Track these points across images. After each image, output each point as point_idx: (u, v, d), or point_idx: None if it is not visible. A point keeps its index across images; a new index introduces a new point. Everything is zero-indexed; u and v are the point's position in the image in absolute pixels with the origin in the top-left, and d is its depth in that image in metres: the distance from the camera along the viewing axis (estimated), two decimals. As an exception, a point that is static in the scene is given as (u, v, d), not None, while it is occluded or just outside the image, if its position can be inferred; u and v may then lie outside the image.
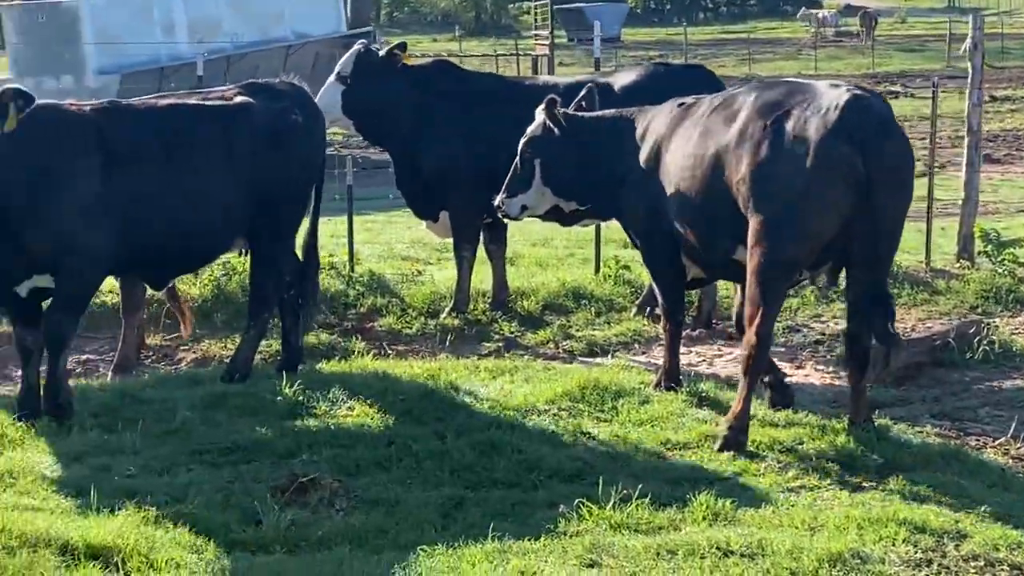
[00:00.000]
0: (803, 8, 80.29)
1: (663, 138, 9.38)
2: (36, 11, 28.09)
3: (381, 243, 15.54)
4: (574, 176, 9.95)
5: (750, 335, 8.41)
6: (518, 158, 10.09)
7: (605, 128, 9.92)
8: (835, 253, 8.37)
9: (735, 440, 8.34)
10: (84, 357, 11.44)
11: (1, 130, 8.43)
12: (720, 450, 8.30)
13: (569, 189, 10.04)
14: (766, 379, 9.30)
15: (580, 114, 10.10)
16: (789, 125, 8.23)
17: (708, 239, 8.98)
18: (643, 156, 9.51)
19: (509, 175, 10.16)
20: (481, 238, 12.57)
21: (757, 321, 8.34)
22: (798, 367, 10.93)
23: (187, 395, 9.48)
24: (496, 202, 10.23)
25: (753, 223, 8.31)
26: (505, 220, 10.40)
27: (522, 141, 10.06)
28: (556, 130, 9.89)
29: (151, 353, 11.60)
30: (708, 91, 10.01)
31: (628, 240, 10.79)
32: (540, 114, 9.99)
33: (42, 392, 9.16)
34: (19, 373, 9.39)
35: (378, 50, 12.72)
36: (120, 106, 9.72)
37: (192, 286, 12.52)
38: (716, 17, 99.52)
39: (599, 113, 10.21)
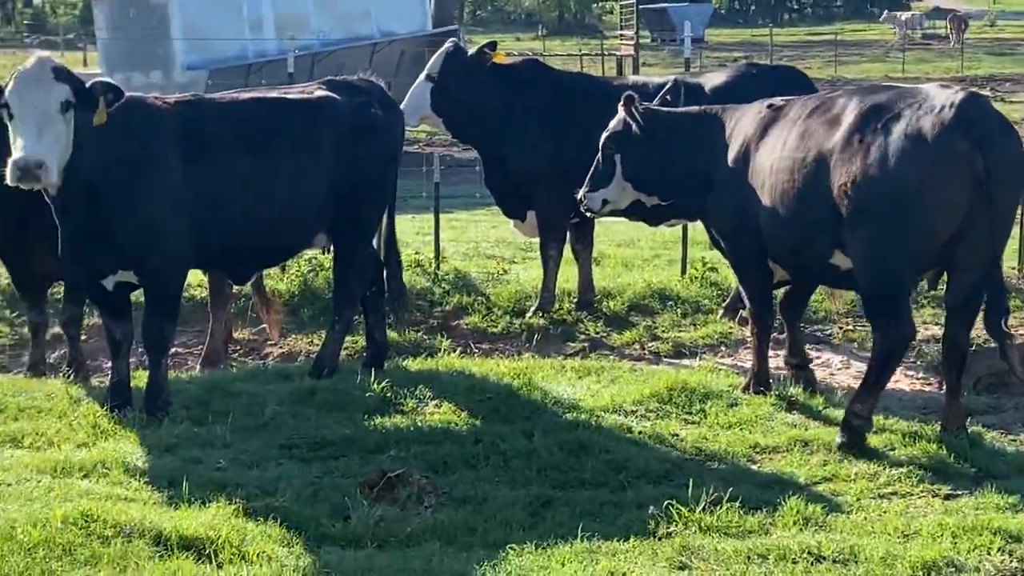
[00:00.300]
0: (886, 10, 79.54)
1: (752, 139, 9.30)
2: (127, 6, 28.37)
3: (467, 241, 15.56)
4: (655, 172, 9.92)
5: (883, 344, 8.35)
6: (600, 153, 10.09)
7: (688, 125, 9.88)
8: (946, 254, 8.28)
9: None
10: (173, 350, 11.52)
11: (90, 123, 8.53)
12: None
13: (650, 184, 10.01)
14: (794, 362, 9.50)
15: (661, 110, 10.07)
16: (901, 126, 8.14)
17: (804, 243, 8.88)
18: (731, 156, 9.45)
19: (592, 170, 10.16)
20: (567, 238, 12.55)
21: (889, 327, 8.28)
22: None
23: (276, 389, 9.53)
24: (579, 196, 10.23)
25: (867, 227, 8.23)
26: (588, 214, 10.38)
27: (603, 136, 10.06)
28: (634, 126, 9.86)
29: (238, 347, 11.68)
30: (800, 93, 9.94)
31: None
32: (620, 109, 9.98)
33: (133, 384, 9.25)
34: (110, 364, 9.47)
35: (467, 49, 12.72)
36: (204, 100, 9.81)
37: (279, 281, 12.61)
38: (802, 18, 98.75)
39: (683, 110, 10.17)
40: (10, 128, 8.41)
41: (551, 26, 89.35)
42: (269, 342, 11.81)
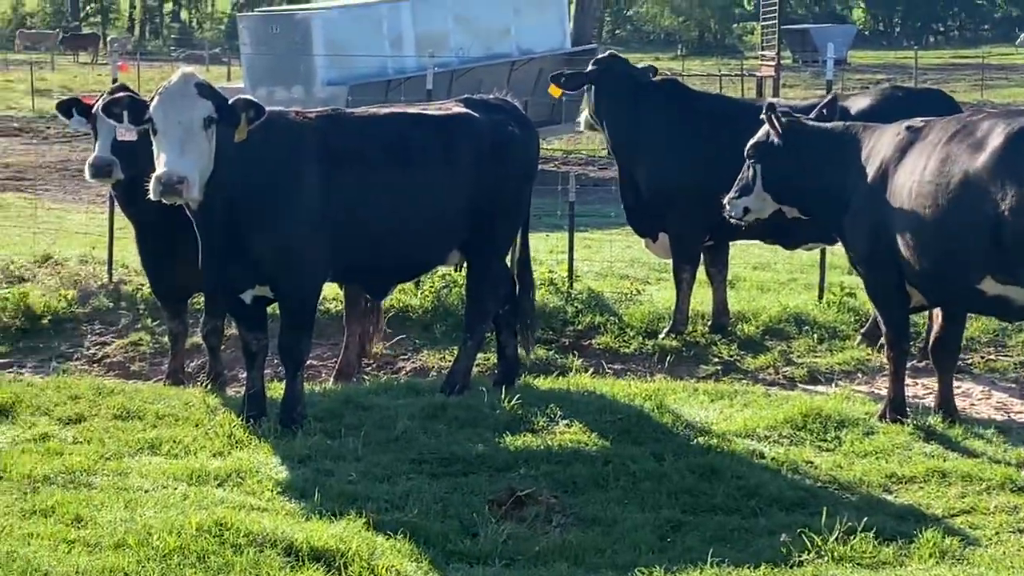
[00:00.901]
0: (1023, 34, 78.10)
1: (890, 161, 9.17)
2: (271, 22, 28.80)
3: (600, 260, 15.52)
4: (793, 183, 9.85)
5: None
6: (745, 162, 10.07)
7: (829, 140, 9.77)
8: None
9: None
10: (308, 363, 11.64)
11: (232, 139, 8.64)
12: None
13: (788, 196, 9.96)
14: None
15: (804, 122, 9.98)
16: None
17: (949, 269, 8.73)
18: (868, 177, 9.32)
19: (738, 178, 10.14)
20: (702, 260, 12.47)
21: None
22: (1029, 403, 10.59)
23: (408, 404, 9.58)
24: (724, 201, 10.21)
25: None
26: (732, 221, 10.28)
27: (748, 145, 10.03)
28: (773, 135, 9.79)
29: (371, 361, 11.76)
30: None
31: (851, 266, 10.58)
32: (763, 118, 9.96)
33: (269, 395, 9.37)
34: (246, 375, 9.60)
35: (623, 60, 12.76)
36: (344, 115, 9.90)
37: (412, 297, 12.68)
38: (947, 41, 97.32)
39: (824, 125, 10.05)
40: (154, 143, 8.57)
41: (691, 46, 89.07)
42: (402, 356, 11.88)
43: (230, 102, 8.66)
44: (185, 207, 8.79)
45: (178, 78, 8.63)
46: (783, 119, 9.82)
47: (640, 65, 13.12)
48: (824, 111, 10.38)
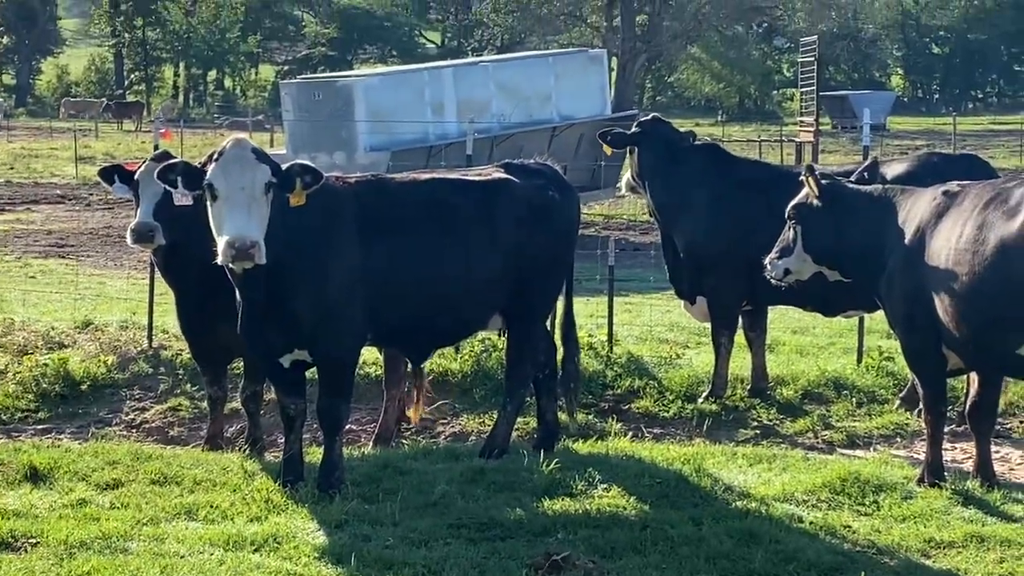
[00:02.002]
0: None
1: (927, 225, 9.18)
2: (313, 88, 29.08)
3: (640, 324, 15.52)
4: (833, 245, 9.84)
5: None
6: (787, 223, 10.07)
7: (868, 202, 9.77)
8: None
9: None
10: (347, 427, 11.66)
11: (282, 203, 8.70)
12: None
13: (829, 258, 9.94)
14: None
15: (843, 185, 9.98)
16: None
17: (985, 334, 8.71)
18: (905, 240, 9.32)
19: (779, 239, 10.13)
20: (741, 324, 12.47)
21: None
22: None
23: (446, 469, 9.58)
24: (765, 262, 10.18)
25: None
26: (772, 282, 10.21)
27: (789, 206, 10.03)
28: (814, 198, 9.80)
29: (410, 426, 11.78)
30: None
31: (890, 331, 10.54)
32: (803, 179, 9.99)
33: (308, 459, 9.38)
34: (284, 440, 9.61)
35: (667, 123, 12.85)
36: (384, 180, 9.96)
37: (452, 361, 12.70)
38: (986, 107, 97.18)
39: (863, 188, 10.04)
40: (212, 209, 8.59)
41: (731, 112, 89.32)
42: (441, 420, 11.89)
43: (285, 168, 8.73)
44: (227, 271, 8.84)
45: (232, 144, 8.67)
46: (822, 181, 9.84)
47: (681, 130, 13.22)
48: (865, 174, 10.40)
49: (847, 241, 9.74)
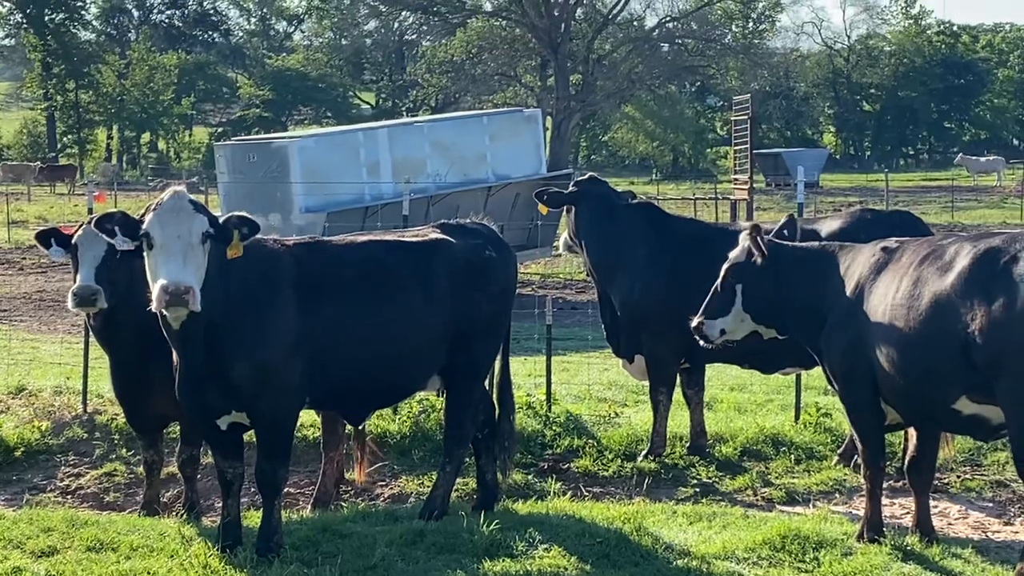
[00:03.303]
0: (960, 153, 79.10)
1: (866, 280, 9.28)
2: (248, 150, 29.03)
3: (578, 383, 15.54)
4: (774, 304, 9.86)
5: None
6: (719, 282, 10.03)
7: (807, 260, 9.84)
8: None
9: None
10: (285, 490, 11.57)
11: (219, 257, 8.67)
12: None
13: (769, 316, 9.95)
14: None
15: (784, 243, 10.05)
16: (1021, 268, 8.10)
17: (924, 388, 8.78)
18: (844, 295, 9.40)
19: (708, 298, 10.08)
20: (678, 381, 12.51)
21: None
22: (1007, 523, 10.56)
23: (386, 531, 9.52)
24: (694, 324, 10.11)
25: (1014, 375, 8.13)
26: (703, 343, 10.17)
27: (725, 266, 10.02)
28: (758, 256, 9.84)
29: (349, 488, 11.71)
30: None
31: (828, 387, 10.60)
32: (744, 240, 9.98)
33: (246, 523, 9.29)
34: (221, 504, 9.53)
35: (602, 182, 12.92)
36: (321, 243, 9.94)
37: (391, 422, 12.66)
38: (917, 163, 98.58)
39: (803, 245, 10.13)
40: (148, 259, 8.56)
41: (665, 170, 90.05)
42: (380, 483, 11.82)
43: (222, 219, 8.71)
44: (164, 327, 8.78)
45: (170, 195, 8.67)
46: (765, 240, 9.88)
47: (618, 189, 13.30)
48: (785, 232, 10.45)
49: (789, 298, 9.78)
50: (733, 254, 10.04)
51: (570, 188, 12.88)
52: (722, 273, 10.03)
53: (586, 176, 13.18)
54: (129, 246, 8.83)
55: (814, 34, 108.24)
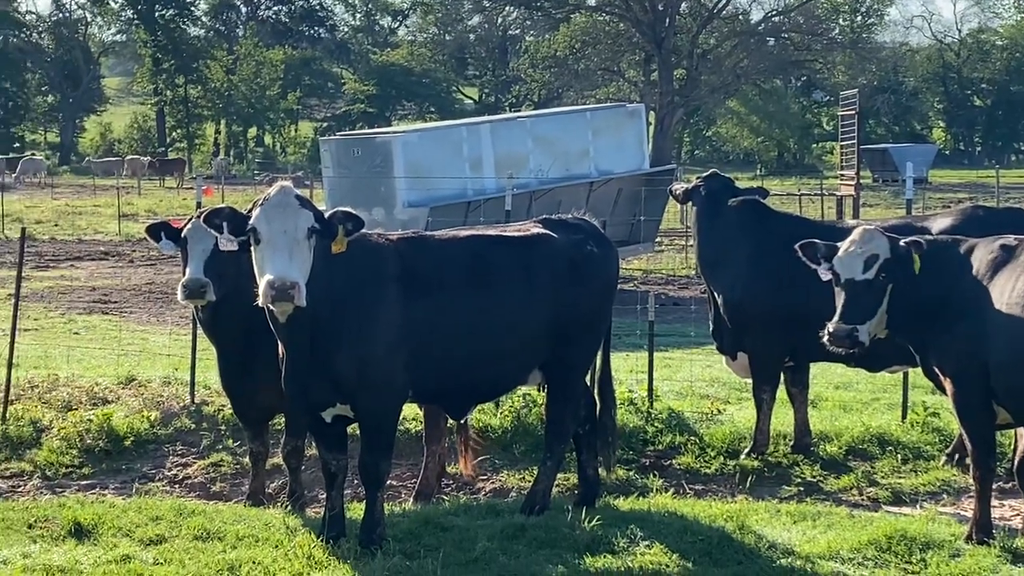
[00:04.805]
0: None
1: (983, 277, 9.09)
2: (352, 145, 29.20)
3: (680, 380, 15.47)
4: (912, 303, 9.39)
5: None
6: (863, 284, 9.37)
7: (934, 255, 9.43)
8: None
9: None
10: (388, 482, 11.64)
11: (325, 253, 8.74)
12: None
13: (902, 316, 9.42)
14: None
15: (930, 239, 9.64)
16: None
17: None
18: (960, 293, 9.21)
19: (847, 301, 9.38)
20: (783, 379, 12.40)
21: None
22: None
23: (487, 525, 9.55)
24: (832, 330, 9.37)
25: None
26: (850, 351, 9.50)
27: (875, 265, 9.35)
28: (914, 253, 9.33)
29: (451, 481, 11.75)
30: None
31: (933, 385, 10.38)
32: (880, 236, 9.45)
33: (349, 515, 9.36)
34: (325, 496, 9.60)
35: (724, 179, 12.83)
36: (424, 237, 9.96)
37: (492, 416, 12.68)
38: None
39: (928, 238, 9.73)
40: (255, 254, 8.64)
41: (769, 165, 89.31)
42: (481, 477, 11.85)
43: (327, 215, 8.78)
44: (271, 321, 8.86)
45: (277, 190, 8.75)
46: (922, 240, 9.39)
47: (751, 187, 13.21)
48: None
49: (920, 296, 9.38)
50: (875, 250, 9.39)
51: (693, 183, 12.87)
52: (875, 271, 9.38)
53: (708, 172, 13.10)
54: (233, 246, 8.92)
55: (924, 28, 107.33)
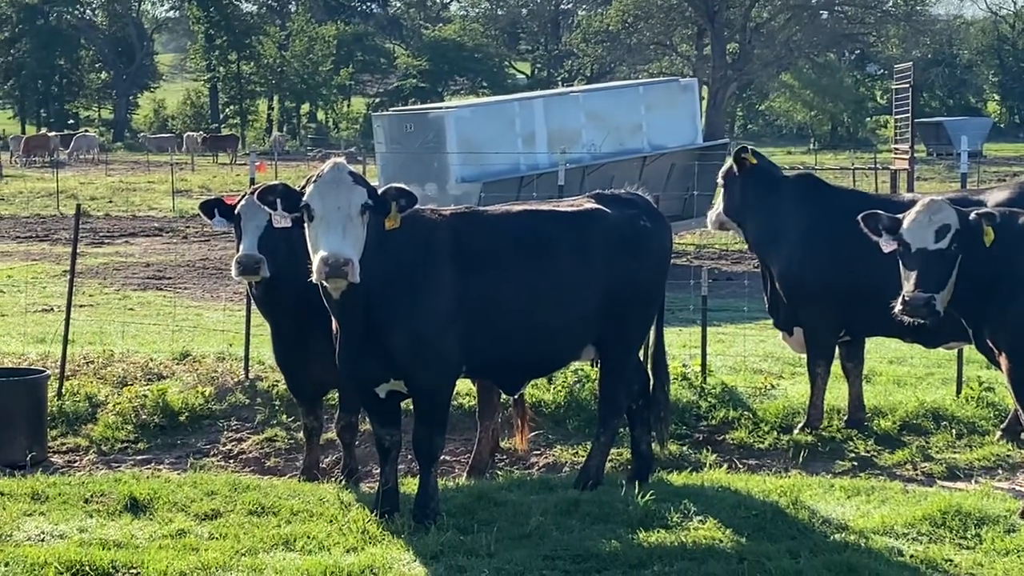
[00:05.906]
0: None
1: None
2: (405, 120, 29.27)
3: (734, 355, 15.43)
4: (971, 277, 9.18)
5: None
6: (938, 251, 9.12)
7: (1006, 228, 9.21)
8: None
9: None
10: (441, 458, 11.68)
11: (378, 228, 8.76)
12: None
13: (960, 290, 9.20)
14: None
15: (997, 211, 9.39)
16: None
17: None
18: (1019, 267, 9.12)
19: (921, 271, 9.07)
20: (837, 354, 12.34)
21: None
22: None
23: (540, 500, 9.57)
24: (907, 300, 9.00)
25: None
26: (921, 321, 9.18)
27: (947, 235, 9.08)
28: (986, 225, 9.13)
29: (504, 456, 11.78)
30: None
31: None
32: (949, 207, 9.22)
33: (403, 490, 9.41)
34: (379, 471, 9.64)
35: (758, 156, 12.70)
36: (477, 212, 9.97)
37: (545, 392, 12.69)
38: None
39: (990, 211, 9.57)
40: (308, 229, 8.68)
41: (823, 139, 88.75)
42: (535, 452, 11.88)
43: (381, 191, 8.81)
44: (324, 297, 8.90)
45: (330, 167, 8.77)
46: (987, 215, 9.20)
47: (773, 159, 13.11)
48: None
49: (988, 270, 9.18)
50: (946, 220, 9.11)
51: (728, 163, 12.74)
52: (945, 242, 9.09)
53: (738, 147, 12.97)
54: (286, 223, 8.96)
55: (979, 0, 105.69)
